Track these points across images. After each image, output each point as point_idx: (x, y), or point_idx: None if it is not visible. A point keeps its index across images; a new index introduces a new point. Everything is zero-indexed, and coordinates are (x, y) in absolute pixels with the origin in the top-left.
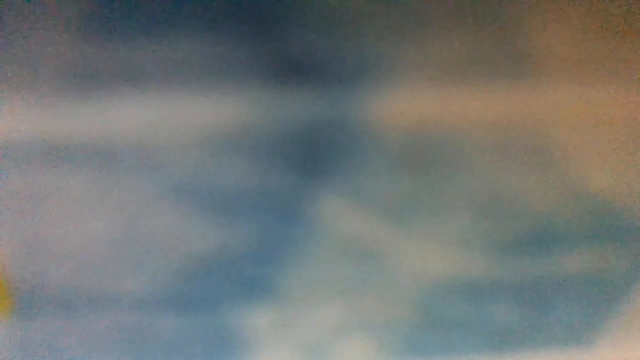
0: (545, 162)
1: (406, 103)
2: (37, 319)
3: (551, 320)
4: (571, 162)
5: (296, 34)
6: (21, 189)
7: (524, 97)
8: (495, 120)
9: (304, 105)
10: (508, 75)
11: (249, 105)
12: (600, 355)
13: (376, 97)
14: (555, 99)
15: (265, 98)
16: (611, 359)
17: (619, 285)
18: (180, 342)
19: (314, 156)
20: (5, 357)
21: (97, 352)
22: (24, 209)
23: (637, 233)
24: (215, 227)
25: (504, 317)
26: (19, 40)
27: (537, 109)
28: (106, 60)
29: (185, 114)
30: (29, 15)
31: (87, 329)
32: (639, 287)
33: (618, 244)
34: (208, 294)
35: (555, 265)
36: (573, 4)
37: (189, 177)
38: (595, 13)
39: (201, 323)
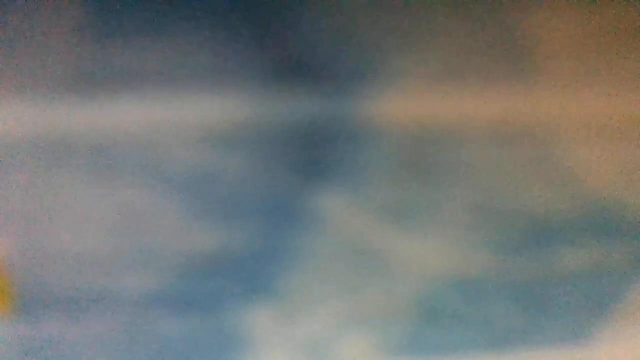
0: (544, 161)
1: (406, 103)
2: (38, 318)
3: (551, 318)
4: (570, 161)
5: (296, 34)
6: (21, 188)
7: (524, 96)
8: (495, 119)
9: (304, 104)
10: (508, 75)
11: (250, 105)
12: (600, 352)
13: (376, 97)
14: (554, 99)
15: (266, 98)
16: (611, 356)
17: (618, 283)
18: (182, 340)
19: (314, 155)
20: (7, 357)
21: (99, 351)
22: (24, 209)
23: (637, 232)
24: (215, 226)
25: (504, 315)
26: (19, 40)
27: (536, 109)
28: (106, 60)
29: (185, 114)
30: (29, 15)
31: (88, 328)
32: (638, 285)
33: (617, 243)
34: (209, 293)
35: (555, 264)
36: (572, 4)
37: (189, 177)
38: (594, 13)
39: (202, 322)
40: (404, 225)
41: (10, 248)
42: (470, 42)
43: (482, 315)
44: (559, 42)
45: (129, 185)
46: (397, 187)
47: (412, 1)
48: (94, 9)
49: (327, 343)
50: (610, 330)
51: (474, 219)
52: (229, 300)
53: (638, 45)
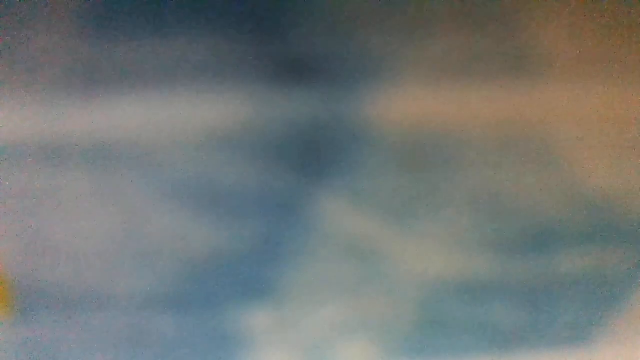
0: (545, 162)
1: (406, 103)
2: (36, 319)
3: (551, 320)
4: (571, 162)
5: (296, 34)
6: (21, 189)
7: (524, 96)
8: (495, 119)
9: (304, 105)
10: (508, 74)
11: (249, 105)
12: (600, 355)
13: (376, 97)
14: (555, 98)
15: (266, 98)
16: (611, 359)
17: (619, 285)
18: (181, 342)
19: (314, 156)
20: (5, 357)
21: (97, 352)
22: (23, 209)
23: (638, 233)
24: (215, 227)
25: (504, 317)
26: (19, 40)
27: (536, 109)
28: (106, 60)
29: (185, 114)
30: (29, 15)
31: (87, 329)
32: (639, 287)
33: (618, 244)
34: (208, 294)
35: (556, 266)
36: (573, 3)
37: (188, 177)
38: (595, 12)
39: (201, 323)
40: (404, 226)
41: (9, 249)
42: (471, 41)
43: (483, 318)
44: (561, 42)
45: (128, 186)
46: (398, 187)
47: (412, 1)
48: (94, 9)
49: (326, 345)
50: (611, 333)
51: (474, 221)
52: (228, 302)
53: None
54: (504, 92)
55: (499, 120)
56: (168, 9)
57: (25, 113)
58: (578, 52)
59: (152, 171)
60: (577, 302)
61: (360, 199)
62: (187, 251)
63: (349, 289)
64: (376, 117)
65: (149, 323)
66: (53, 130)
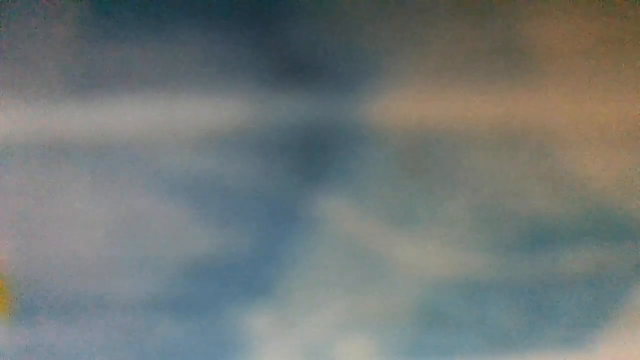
0: (545, 163)
1: (407, 104)
2: (36, 320)
3: (552, 320)
4: (572, 162)
5: (297, 34)
6: (21, 189)
7: (525, 97)
8: (496, 121)
9: (304, 106)
10: (509, 75)
11: (249, 106)
12: (600, 355)
13: (377, 98)
14: (556, 99)
15: (266, 99)
16: (612, 359)
17: (619, 285)
18: (181, 345)
19: (314, 157)
20: (4, 359)
21: (97, 355)
22: (24, 209)
23: (638, 234)
24: (215, 228)
25: (504, 318)
26: (19, 40)
27: (537, 110)
28: (106, 60)
29: (185, 114)
30: (29, 16)
31: (86, 331)
32: (639, 287)
33: (619, 247)
34: (208, 297)
35: (556, 266)
36: (574, 4)
37: (188, 178)
38: (597, 13)
39: (201, 325)
40: (404, 228)
41: (8, 252)
42: (473, 44)
43: (483, 319)
44: (562, 45)
45: (127, 188)
46: (398, 189)
47: (412, 1)
48: (94, 9)
49: (327, 347)
50: (611, 334)
51: (475, 222)
52: (228, 304)
53: None
54: (506, 94)
55: (499, 120)
56: (168, 9)
57: (25, 113)
58: (579, 53)
59: (151, 171)
60: (578, 301)
61: (360, 200)
62: (188, 252)
63: (349, 291)
64: (377, 118)
65: (149, 326)
66: (53, 130)
